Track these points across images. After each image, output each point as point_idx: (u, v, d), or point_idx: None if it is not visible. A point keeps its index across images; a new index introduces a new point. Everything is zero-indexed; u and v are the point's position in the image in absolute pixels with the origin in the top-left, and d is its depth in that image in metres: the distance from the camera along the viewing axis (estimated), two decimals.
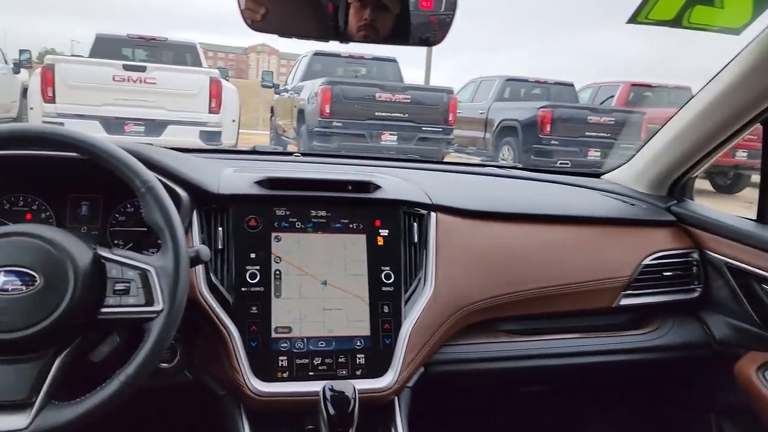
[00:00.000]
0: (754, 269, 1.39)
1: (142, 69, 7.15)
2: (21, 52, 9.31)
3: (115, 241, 1.28)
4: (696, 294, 1.52)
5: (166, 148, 1.36)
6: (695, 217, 1.56)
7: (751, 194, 9.88)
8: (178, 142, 6.31)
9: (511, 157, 9.95)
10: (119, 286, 0.96)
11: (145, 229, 1.27)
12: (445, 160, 7.40)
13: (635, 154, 1.80)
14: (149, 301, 0.96)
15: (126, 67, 7.11)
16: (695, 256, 1.53)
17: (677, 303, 1.52)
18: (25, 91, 8.57)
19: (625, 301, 1.47)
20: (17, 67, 9.51)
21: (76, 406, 0.90)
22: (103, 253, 0.98)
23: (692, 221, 1.56)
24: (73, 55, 9.67)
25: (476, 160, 10.62)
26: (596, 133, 9.89)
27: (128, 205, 1.29)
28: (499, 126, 10.32)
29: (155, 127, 7.05)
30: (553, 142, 9.69)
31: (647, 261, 1.49)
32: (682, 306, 1.53)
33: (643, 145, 1.76)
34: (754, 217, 1.51)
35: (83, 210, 1.28)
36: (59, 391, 0.92)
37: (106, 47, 8.30)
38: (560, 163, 9.47)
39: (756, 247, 1.40)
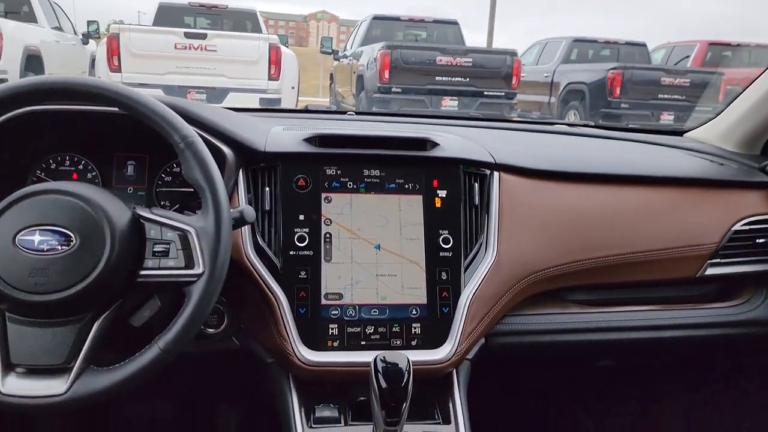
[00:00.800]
0: None
1: (203, 36, 7.20)
2: (89, 23, 9.52)
3: (162, 202, 1.24)
4: None
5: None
6: None
7: None
8: None
9: (578, 121, 9.56)
10: (158, 248, 0.90)
11: (192, 189, 1.22)
12: None
13: (722, 110, 1.62)
14: (189, 264, 0.90)
15: (187, 35, 7.17)
16: None
17: None
18: (93, 62, 8.80)
19: (711, 271, 1.32)
20: (86, 38, 9.76)
21: (115, 372, 0.86)
22: (142, 212, 0.92)
23: None
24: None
25: None
26: (670, 96, 9.37)
27: (174, 165, 1.24)
28: (565, 89, 9.92)
29: (216, 94, 7.11)
30: (623, 105, 9.25)
31: (738, 226, 1.33)
32: None
33: (733, 100, 1.58)
34: None
35: (129, 170, 1.24)
36: (99, 357, 0.88)
37: (168, 16, 8.40)
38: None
39: None
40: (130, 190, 1.23)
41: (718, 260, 1.32)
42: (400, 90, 8.08)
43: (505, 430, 1.58)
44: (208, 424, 1.75)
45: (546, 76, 10.52)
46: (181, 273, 0.89)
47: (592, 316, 1.29)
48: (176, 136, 0.92)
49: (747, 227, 1.33)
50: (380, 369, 0.88)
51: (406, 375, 0.87)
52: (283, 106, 7.43)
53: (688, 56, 11.45)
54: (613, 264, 1.27)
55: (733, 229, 1.32)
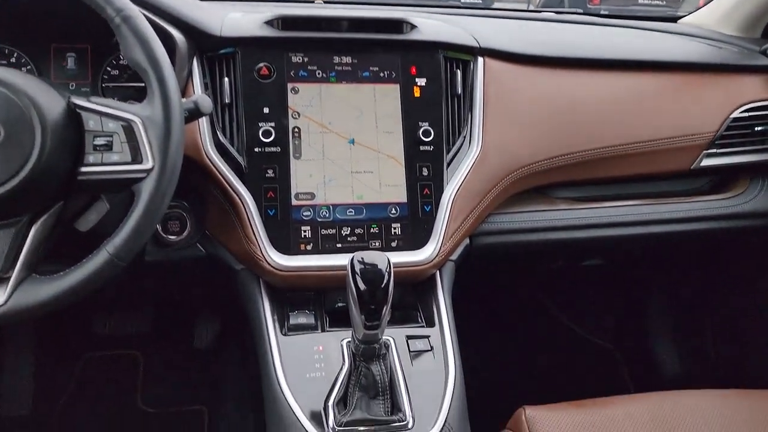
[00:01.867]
0: None
1: None
2: None
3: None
4: None
5: None
6: None
7: None
8: None
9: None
10: (99, 141, 0.79)
11: (144, 84, 1.09)
12: None
13: None
14: (136, 159, 0.79)
15: None
16: None
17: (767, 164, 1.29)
18: None
19: (706, 162, 1.25)
20: None
21: (61, 281, 0.76)
22: (78, 101, 0.80)
23: None
24: None
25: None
26: (650, 0, 9.10)
27: (121, 57, 1.10)
28: None
29: None
30: (602, 11, 8.97)
31: (736, 113, 1.25)
32: None
33: None
34: None
35: (69, 63, 1.10)
36: (43, 266, 0.79)
37: None
38: None
39: None
40: (72, 86, 1.10)
41: (715, 150, 1.25)
42: None
43: (488, 334, 1.54)
44: (185, 336, 1.70)
45: None
46: (127, 169, 0.78)
47: (581, 213, 1.22)
48: (109, 9, 0.79)
49: (746, 114, 1.25)
50: (358, 270, 0.79)
51: (386, 276, 0.79)
52: None
53: None
54: (605, 157, 1.19)
55: (731, 116, 1.24)
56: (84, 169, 0.79)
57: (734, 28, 1.43)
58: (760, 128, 1.26)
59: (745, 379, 1.17)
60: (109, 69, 1.10)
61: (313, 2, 1.50)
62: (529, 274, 1.52)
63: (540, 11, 1.60)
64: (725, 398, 1.06)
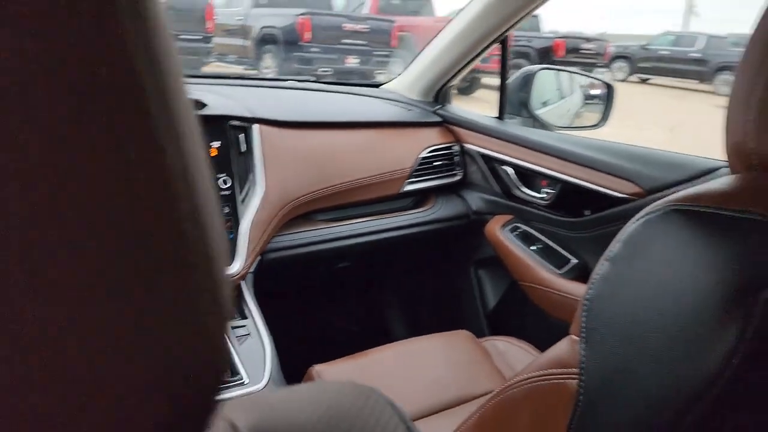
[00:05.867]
0: (497, 155, 1.86)
1: None
2: None
3: None
4: (458, 177, 1.97)
5: None
6: (455, 118, 1.99)
7: (483, 95, 11.44)
8: None
9: (275, 65, 10.03)
10: None
11: None
12: (218, 72, 7.25)
13: (408, 66, 2.16)
14: None
15: None
16: (456, 148, 1.96)
17: (445, 186, 1.96)
18: None
19: (408, 187, 1.85)
20: None
21: None
22: None
23: (453, 121, 1.99)
24: None
25: (239, 69, 10.48)
26: (353, 41, 10.39)
27: None
28: (261, 34, 10.25)
29: None
30: (313, 49, 9.97)
31: (423, 154, 1.88)
32: (448, 188, 1.98)
33: (413, 60, 2.13)
34: (496, 115, 1.98)
35: None
36: None
37: None
38: (321, 71, 9.85)
39: (498, 138, 1.87)
40: None
41: (413, 179, 1.86)
42: None
43: (286, 318, 1.97)
44: None
45: (239, 20, 10.69)
46: None
47: (333, 229, 1.73)
48: None
49: (429, 154, 1.89)
50: None
51: None
52: None
53: (363, 3, 12.70)
54: (345, 189, 1.71)
55: (420, 156, 1.87)
56: None
57: (417, 94, 2.09)
58: (437, 163, 1.92)
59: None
60: None
61: None
62: (305, 277, 1.99)
63: (286, 80, 2.09)
64: (445, 338, 1.65)
